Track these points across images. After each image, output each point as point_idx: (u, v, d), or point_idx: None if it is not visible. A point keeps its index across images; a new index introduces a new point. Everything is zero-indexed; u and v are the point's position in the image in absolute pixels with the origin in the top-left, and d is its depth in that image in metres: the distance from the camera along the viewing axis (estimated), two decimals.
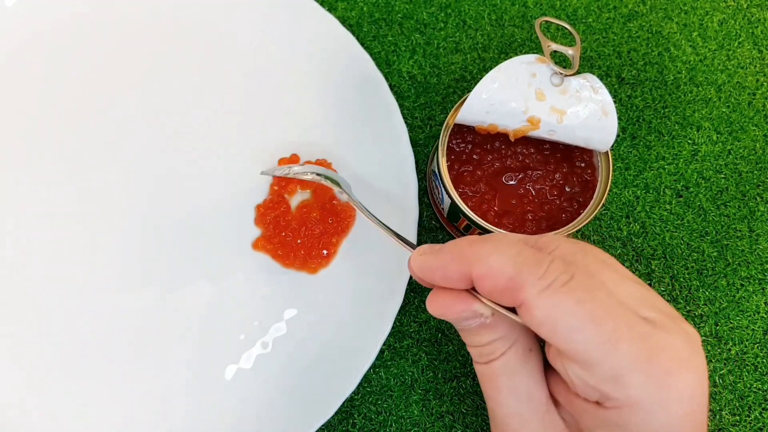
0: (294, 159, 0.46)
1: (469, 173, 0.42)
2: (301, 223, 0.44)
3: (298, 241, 0.44)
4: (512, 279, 0.29)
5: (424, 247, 0.33)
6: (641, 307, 0.29)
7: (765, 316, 0.45)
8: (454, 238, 0.45)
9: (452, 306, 0.31)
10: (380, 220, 0.39)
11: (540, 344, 0.33)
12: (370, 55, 0.48)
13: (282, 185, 0.45)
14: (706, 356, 0.44)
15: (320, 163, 0.45)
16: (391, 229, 0.38)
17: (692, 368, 0.28)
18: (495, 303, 0.31)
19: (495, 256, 0.30)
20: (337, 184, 0.43)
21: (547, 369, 0.33)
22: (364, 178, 0.45)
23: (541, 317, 0.28)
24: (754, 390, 0.44)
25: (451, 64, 0.49)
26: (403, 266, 0.43)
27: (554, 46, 0.39)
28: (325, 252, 0.44)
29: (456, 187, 0.42)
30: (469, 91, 0.40)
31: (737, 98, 0.49)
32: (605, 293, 0.29)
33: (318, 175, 0.43)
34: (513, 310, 0.30)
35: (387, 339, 0.44)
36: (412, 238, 0.44)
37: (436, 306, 0.32)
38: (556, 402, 0.32)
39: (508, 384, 0.32)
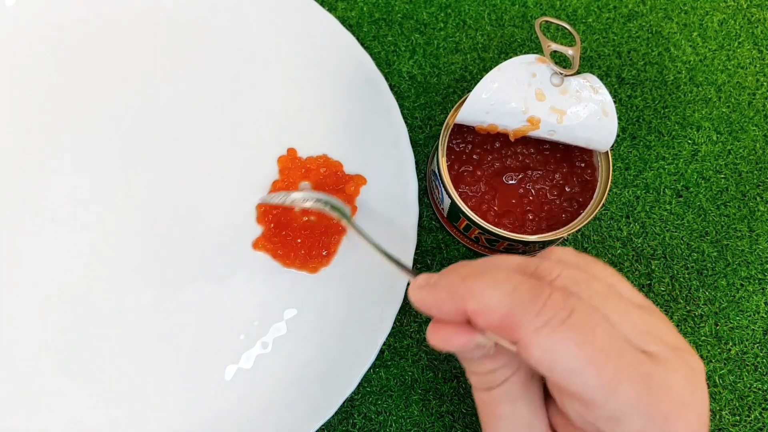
0: (291, 152, 0.46)
1: (469, 173, 0.42)
2: (302, 222, 0.44)
3: (298, 241, 0.44)
4: (507, 316, 0.28)
5: (421, 278, 0.32)
6: (646, 340, 0.28)
7: (765, 316, 0.45)
8: (454, 238, 0.45)
9: (453, 339, 0.30)
10: (380, 247, 0.37)
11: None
12: (370, 55, 0.48)
13: (284, 184, 0.45)
14: (707, 356, 0.44)
15: (322, 158, 0.45)
16: (392, 257, 0.36)
17: (693, 409, 0.28)
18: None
19: (489, 292, 0.28)
20: (340, 211, 0.41)
21: (546, 397, 0.32)
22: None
23: (538, 357, 0.27)
24: (754, 390, 0.44)
25: (451, 64, 0.49)
26: None
27: (554, 46, 0.39)
28: (324, 252, 0.44)
29: (456, 187, 0.42)
30: (469, 91, 0.40)
31: (737, 98, 0.49)
32: (606, 330, 0.28)
33: (318, 201, 0.41)
34: None
35: (387, 339, 0.44)
36: (412, 238, 0.44)
37: (437, 339, 0.31)
38: (554, 431, 0.31)
39: (509, 412, 0.31)
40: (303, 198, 0.42)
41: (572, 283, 0.29)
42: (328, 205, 0.42)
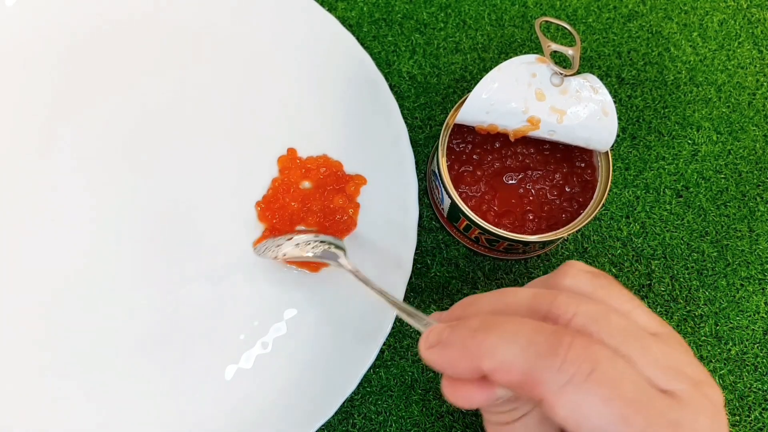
0: (291, 152, 0.46)
1: (469, 173, 0.42)
2: (306, 221, 0.44)
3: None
4: (526, 373, 0.26)
5: (432, 336, 0.30)
6: (668, 377, 0.27)
7: (765, 316, 0.45)
8: (454, 238, 0.45)
9: (474, 398, 0.29)
10: (384, 292, 0.36)
11: None
12: (370, 55, 0.48)
13: (284, 184, 0.45)
14: (707, 356, 0.44)
15: (322, 158, 0.45)
16: (398, 302, 0.35)
17: None
18: None
19: (503, 347, 0.27)
20: (342, 249, 0.40)
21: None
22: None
23: (564, 416, 0.26)
24: (754, 390, 0.44)
25: (451, 64, 0.49)
26: (402, 266, 0.43)
27: (554, 46, 0.39)
28: None
29: (456, 187, 0.42)
30: (469, 91, 0.40)
31: (737, 98, 0.49)
32: (631, 379, 0.26)
33: (322, 242, 0.40)
34: None
35: (387, 339, 0.44)
36: (412, 238, 0.44)
37: (456, 398, 0.29)
38: None
39: None
40: (305, 241, 0.41)
41: (590, 321, 0.28)
42: (325, 243, 0.40)
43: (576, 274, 0.30)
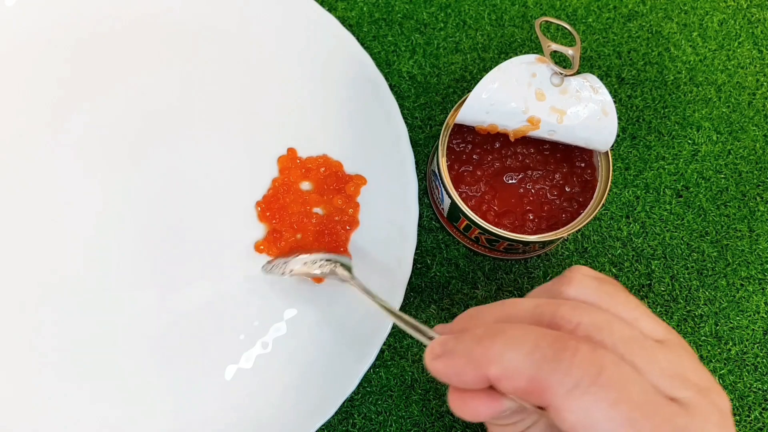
0: (291, 152, 0.46)
1: (469, 173, 0.42)
2: (312, 229, 0.44)
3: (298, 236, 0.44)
4: (533, 379, 0.26)
5: (436, 347, 0.29)
6: (674, 385, 0.27)
7: (765, 316, 0.45)
8: (454, 238, 0.45)
9: (480, 411, 0.28)
10: (387, 305, 0.36)
11: None
12: (370, 55, 0.48)
13: (283, 184, 0.45)
14: (707, 356, 0.44)
15: (322, 158, 0.45)
16: (402, 316, 0.34)
17: None
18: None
19: (509, 353, 0.27)
20: (348, 269, 0.40)
21: None
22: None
23: (573, 422, 0.26)
24: (754, 390, 0.44)
25: (451, 64, 0.49)
26: (402, 266, 0.43)
27: (554, 46, 0.39)
28: None
29: (456, 187, 0.42)
30: (469, 91, 0.40)
31: (737, 98, 0.49)
32: (638, 384, 0.26)
33: (328, 261, 0.41)
34: None
35: (387, 339, 0.44)
36: (412, 238, 0.44)
37: (464, 412, 0.29)
38: None
39: None
40: (303, 262, 0.41)
41: (594, 330, 0.28)
42: (331, 262, 0.41)
43: (581, 280, 0.30)
